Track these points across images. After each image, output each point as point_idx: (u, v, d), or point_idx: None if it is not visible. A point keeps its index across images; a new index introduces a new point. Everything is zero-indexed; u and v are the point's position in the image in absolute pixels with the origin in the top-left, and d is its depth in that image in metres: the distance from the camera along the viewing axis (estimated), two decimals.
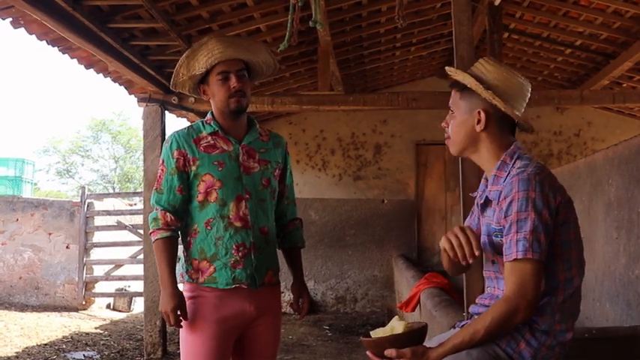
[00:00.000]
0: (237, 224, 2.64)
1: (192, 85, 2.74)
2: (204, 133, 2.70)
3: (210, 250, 2.62)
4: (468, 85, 2.09)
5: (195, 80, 2.71)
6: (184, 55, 2.67)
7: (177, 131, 2.73)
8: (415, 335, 2.01)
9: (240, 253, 2.62)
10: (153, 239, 2.64)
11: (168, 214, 2.62)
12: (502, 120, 2.09)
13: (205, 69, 2.64)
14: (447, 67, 2.26)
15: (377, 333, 2.06)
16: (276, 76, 8.36)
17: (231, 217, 2.63)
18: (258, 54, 2.77)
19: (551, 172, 2.05)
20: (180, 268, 2.74)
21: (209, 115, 2.76)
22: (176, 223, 2.64)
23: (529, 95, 2.14)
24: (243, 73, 2.70)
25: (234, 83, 2.64)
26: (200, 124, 2.75)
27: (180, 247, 2.73)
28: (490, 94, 2.04)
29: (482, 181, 2.21)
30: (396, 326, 2.04)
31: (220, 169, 2.64)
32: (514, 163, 2.06)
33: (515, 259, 1.89)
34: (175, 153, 2.65)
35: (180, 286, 2.72)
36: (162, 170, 2.68)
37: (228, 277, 2.60)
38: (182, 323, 2.62)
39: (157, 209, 2.65)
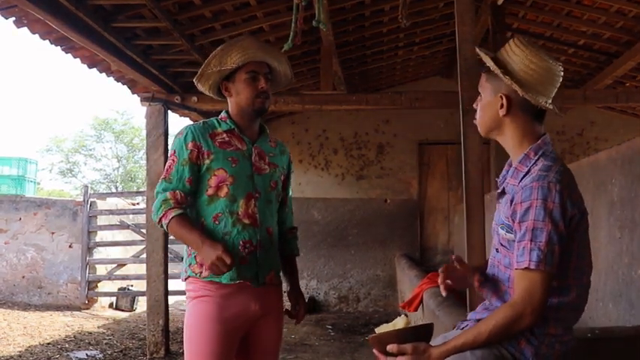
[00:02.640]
0: (246, 221, 2.65)
1: (217, 80, 2.75)
2: (220, 130, 2.73)
3: None
4: (491, 68, 2.10)
5: (221, 75, 2.72)
6: (219, 48, 2.70)
7: (192, 124, 2.73)
8: (418, 332, 2.01)
9: (246, 250, 2.63)
10: (166, 221, 2.57)
11: (177, 192, 2.60)
12: (526, 105, 2.06)
13: (237, 65, 2.66)
14: (476, 48, 2.25)
15: (381, 328, 2.07)
16: None
17: (240, 213, 2.64)
18: (282, 64, 2.83)
19: (572, 177, 2.03)
20: (182, 264, 2.74)
21: (224, 114, 2.79)
22: (186, 202, 2.62)
23: (559, 79, 2.11)
24: (269, 76, 2.77)
25: (263, 84, 2.70)
26: (215, 121, 2.77)
27: (183, 246, 2.72)
28: (508, 79, 2.03)
29: (506, 166, 2.20)
30: (398, 322, 2.05)
31: (234, 165, 2.66)
32: (537, 160, 2.04)
33: (526, 268, 1.88)
34: (190, 144, 2.64)
35: (183, 285, 2.71)
36: (172, 161, 2.66)
37: (233, 273, 2.59)
38: (187, 323, 2.61)
39: (163, 193, 2.62)
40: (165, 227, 2.59)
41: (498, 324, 1.88)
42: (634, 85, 8.77)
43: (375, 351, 2.03)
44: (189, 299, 2.66)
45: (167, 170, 2.67)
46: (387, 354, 1.98)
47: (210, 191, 2.64)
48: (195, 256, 2.63)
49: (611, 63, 7.98)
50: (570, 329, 2.05)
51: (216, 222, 2.63)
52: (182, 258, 2.78)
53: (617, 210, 3.80)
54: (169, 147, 2.77)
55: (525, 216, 1.91)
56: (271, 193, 2.77)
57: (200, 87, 2.81)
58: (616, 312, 3.77)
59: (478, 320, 2.07)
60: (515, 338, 1.96)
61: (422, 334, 2.01)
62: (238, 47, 2.68)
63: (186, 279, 2.67)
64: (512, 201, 1.99)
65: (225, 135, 2.72)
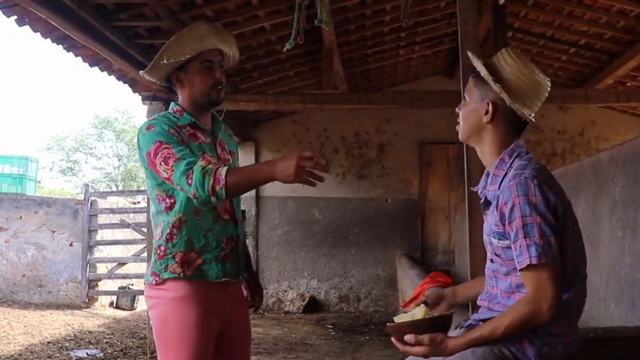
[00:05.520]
0: (225, 217, 2.54)
1: (168, 71, 2.56)
2: (181, 124, 2.52)
3: (199, 241, 2.46)
4: (481, 74, 2.10)
5: (174, 67, 2.53)
6: (172, 39, 2.54)
7: (155, 117, 2.52)
8: (436, 323, 2.01)
9: (229, 247, 2.53)
10: (222, 182, 2.23)
11: (207, 155, 2.39)
12: (510, 116, 2.08)
13: (191, 55, 2.49)
14: (468, 53, 2.26)
15: (400, 318, 2.07)
16: (280, 75, 8.37)
17: (219, 208, 2.51)
18: (232, 47, 2.67)
19: (550, 173, 2.04)
20: (150, 268, 2.51)
21: (176, 107, 2.59)
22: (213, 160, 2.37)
23: (546, 95, 2.11)
24: (223, 64, 2.64)
25: (219, 74, 2.56)
26: (170, 115, 2.55)
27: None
28: (498, 87, 2.04)
29: (483, 176, 2.20)
30: (417, 313, 2.04)
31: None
32: (512, 162, 2.06)
33: (529, 265, 1.88)
34: (171, 130, 2.43)
35: (149, 291, 2.51)
36: (166, 147, 2.36)
37: (219, 271, 2.48)
38: (166, 327, 2.44)
39: (191, 168, 2.28)
40: (223, 193, 2.24)
41: (515, 320, 1.88)
42: (635, 84, 8.76)
43: (393, 339, 2.03)
44: (166, 300, 2.45)
45: (170, 156, 2.35)
46: (405, 343, 1.98)
47: None
48: (173, 256, 2.44)
49: (612, 63, 7.98)
50: (574, 328, 2.04)
51: (198, 217, 2.46)
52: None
53: (619, 210, 3.80)
54: (146, 147, 2.43)
55: (512, 215, 1.92)
56: None
57: (147, 78, 2.62)
58: (618, 312, 3.77)
59: (481, 321, 2.06)
60: (517, 338, 1.95)
61: (440, 324, 2.01)
62: (192, 36, 2.52)
63: (162, 282, 2.45)
64: (497, 206, 2.00)
65: (188, 128, 2.52)
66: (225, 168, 2.27)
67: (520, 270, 1.92)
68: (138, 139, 2.48)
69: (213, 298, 2.49)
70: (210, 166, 2.26)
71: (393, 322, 2.07)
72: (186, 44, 2.50)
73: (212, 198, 2.26)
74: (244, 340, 2.70)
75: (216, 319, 2.49)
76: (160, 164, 2.35)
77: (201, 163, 2.28)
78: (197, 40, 2.51)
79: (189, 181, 2.26)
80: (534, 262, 1.87)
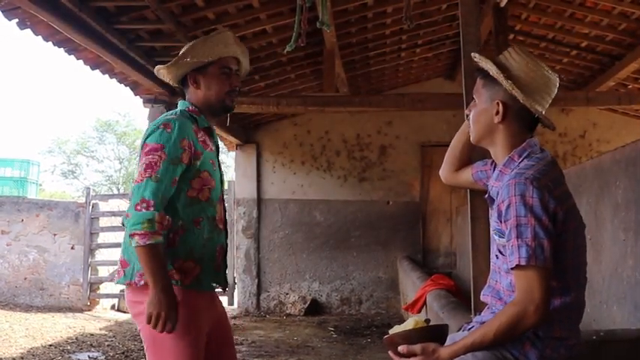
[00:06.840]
0: (220, 226, 2.58)
1: (186, 72, 2.59)
2: (198, 127, 2.54)
3: (199, 250, 2.45)
4: (490, 73, 2.08)
5: (195, 66, 2.56)
6: (199, 40, 2.60)
7: (178, 116, 2.49)
8: (430, 332, 2.00)
9: (220, 256, 2.56)
10: (143, 242, 2.26)
11: (166, 216, 2.33)
12: (521, 114, 2.06)
13: (214, 58, 2.56)
14: (472, 54, 2.23)
15: (394, 329, 2.06)
16: (282, 78, 8.37)
17: (217, 218, 2.55)
18: (246, 58, 2.75)
19: (557, 176, 2.02)
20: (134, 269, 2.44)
21: (192, 107, 2.60)
22: (170, 225, 2.36)
23: (555, 91, 2.09)
24: (239, 72, 2.71)
25: (236, 82, 2.63)
26: (189, 114, 2.56)
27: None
28: (510, 84, 2.02)
29: (495, 171, 2.19)
30: (408, 324, 2.04)
31: (214, 168, 2.56)
32: (521, 162, 2.04)
33: (518, 265, 1.87)
34: (185, 143, 2.40)
35: (136, 295, 2.45)
36: (160, 157, 2.34)
37: (212, 280, 2.51)
38: (161, 336, 2.37)
39: (152, 206, 2.29)
40: (135, 243, 2.29)
41: (503, 324, 1.86)
42: (636, 87, 8.75)
43: (389, 352, 2.02)
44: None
45: (152, 167, 2.33)
46: (400, 355, 1.97)
47: (192, 193, 2.46)
48: (172, 262, 2.39)
49: (613, 65, 7.97)
50: (576, 332, 2.03)
51: (198, 227, 2.46)
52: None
53: (622, 212, 3.79)
54: (149, 139, 2.43)
55: (507, 214, 1.91)
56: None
57: (163, 73, 2.63)
58: (620, 314, 3.76)
59: (483, 323, 2.06)
60: (519, 341, 1.94)
61: (434, 334, 2.00)
62: (219, 41, 2.58)
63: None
64: (496, 204, 2.00)
65: (202, 132, 2.54)
66: (158, 241, 2.28)
67: (511, 269, 1.91)
68: (150, 131, 2.45)
69: (203, 304, 2.48)
70: (157, 225, 2.28)
71: (388, 334, 2.07)
72: (212, 47, 2.56)
73: (129, 235, 2.30)
74: (230, 344, 2.69)
75: (206, 325, 2.49)
76: (142, 165, 2.36)
77: (157, 217, 2.29)
78: (222, 46, 2.58)
79: (138, 208, 2.29)
80: (523, 263, 1.86)
